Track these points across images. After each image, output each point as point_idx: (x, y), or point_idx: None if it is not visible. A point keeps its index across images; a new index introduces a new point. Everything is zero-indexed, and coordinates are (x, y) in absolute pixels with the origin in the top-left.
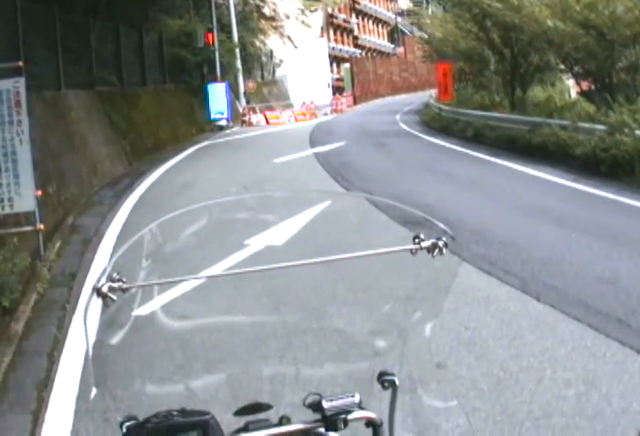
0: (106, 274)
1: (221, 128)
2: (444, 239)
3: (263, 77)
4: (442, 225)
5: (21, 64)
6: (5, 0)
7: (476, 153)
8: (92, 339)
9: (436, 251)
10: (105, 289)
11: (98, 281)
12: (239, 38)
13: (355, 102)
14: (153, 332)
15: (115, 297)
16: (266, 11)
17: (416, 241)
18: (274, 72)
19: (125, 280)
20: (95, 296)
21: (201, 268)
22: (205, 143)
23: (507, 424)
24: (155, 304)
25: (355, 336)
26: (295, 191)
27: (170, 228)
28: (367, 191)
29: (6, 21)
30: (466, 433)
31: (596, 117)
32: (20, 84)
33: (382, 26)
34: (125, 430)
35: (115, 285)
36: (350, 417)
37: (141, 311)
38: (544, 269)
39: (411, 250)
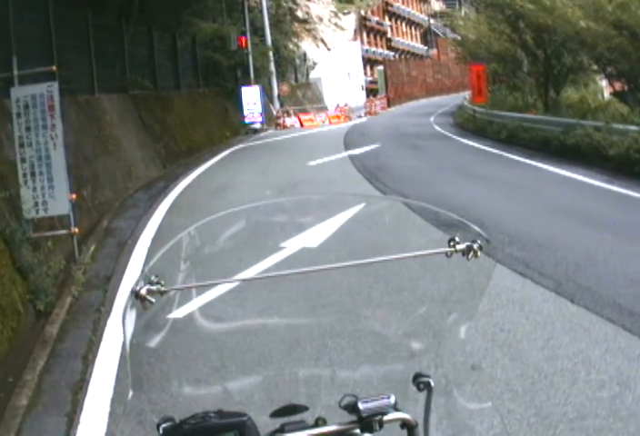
0: (145, 277)
1: (255, 131)
2: (478, 242)
3: (296, 80)
4: (476, 228)
5: (54, 68)
6: (38, 5)
7: (510, 155)
8: (129, 341)
9: (471, 254)
10: (143, 292)
11: (137, 284)
12: (272, 41)
13: (389, 104)
14: (189, 335)
15: (153, 300)
16: (299, 14)
17: (451, 244)
18: (307, 75)
19: (163, 283)
20: (133, 299)
21: (237, 270)
22: (240, 145)
23: (541, 426)
24: (191, 307)
25: (390, 338)
26: (330, 194)
27: (208, 231)
28: (402, 193)
29: (40, 25)
30: (501, 435)
31: (630, 118)
32: (53, 88)
33: (415, 28)
34: (161, 431)
35: (154, 288)
36: (385, 418)
37: (177, 313)
38: (578, 270)
39: (446, 253)
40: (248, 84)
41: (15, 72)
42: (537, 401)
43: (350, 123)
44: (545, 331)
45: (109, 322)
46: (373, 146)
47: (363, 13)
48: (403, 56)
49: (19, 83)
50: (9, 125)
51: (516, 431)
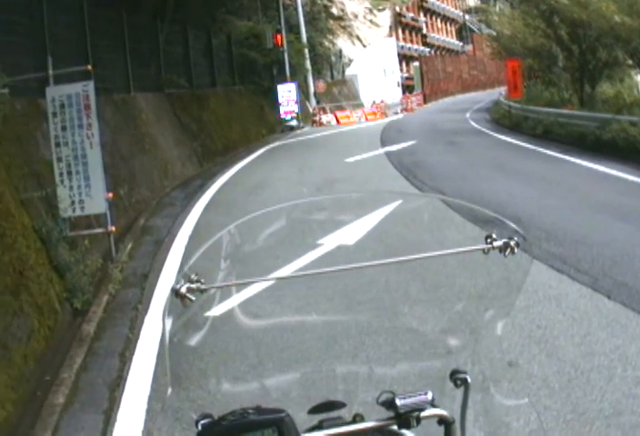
0: (185, 275)
1: (291, 128)
2: (515, 239)
3: (332, 77)
4: (513, 225)
5: (89, 67)
6: (73, 5)
7: (546, 151)
8: (168, 338)
9: (508, 250)
10: (183, 290)
11: (177, 282)
12: (308, 38)
13: (425, 100)
14: (227, 332)
15: (193, 298)
16: (334, 11)
17: (488, 240)
18: (343, 71)
19: (203, 281)
20: (173, 297)
21: (276, 268)
22: (276, 143)
23: (578, 423)
24: (230, 305)
25: (427, 335)
26: (368, 192)
27: (247, 230)
28: (439, 190)
29: (75, 26)
30: (537, 432)
31: None
32: (89, 87)
33: (450, 24)
34: (200, 427)
35: (194, 286)
36: (423, 415)
37: (216, 311)
38: (614, 266)
39: (483, 250)
40: (284, 81)
41: (51, 71)
42: (574, 397)
43: (386, 120)
44: (582, 328)
45: (146, 319)
46: (409, 143)
47: (398, 9)
48: (438, 52)
49: (54, 82)
50: (45, 125)
51: (553, 428)
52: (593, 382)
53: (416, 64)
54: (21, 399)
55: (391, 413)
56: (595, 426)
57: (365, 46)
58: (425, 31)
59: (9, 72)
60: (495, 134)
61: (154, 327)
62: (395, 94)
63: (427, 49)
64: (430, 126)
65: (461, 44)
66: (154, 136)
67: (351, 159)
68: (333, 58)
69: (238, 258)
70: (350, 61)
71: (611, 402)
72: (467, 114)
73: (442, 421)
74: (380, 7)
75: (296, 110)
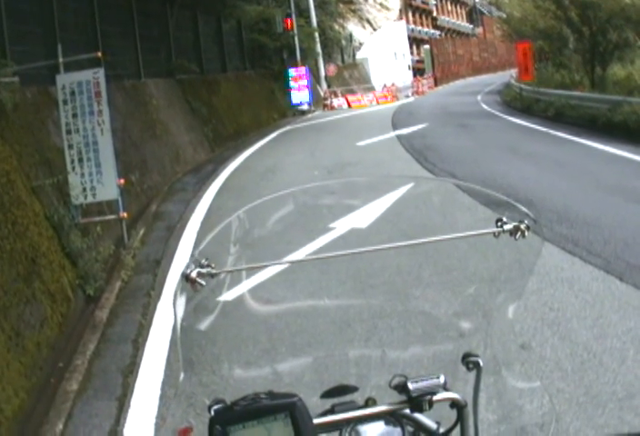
0: (195, 260)
1: (302, 112)
2: (526, 222)
3: (343, 61)
4: (523, 208)
5: (99, 54)
6: None
7: (558, 133)
8: (179, 324)
9: (519, 234)
10: (193, 275)
11: (187, 267)
12: (318, 22)
13: (436, 83)
14: (239, 317)
15: (203, 282)
16: None
17: (499, 224)
18: (354, 55)
19: (213, 265)
20: (183, 282)
21: (287, 252)
22: (287, 127)
23: (590, 405)
24: (241, 289)
25: (439, 318)
26: (379, 176)
27: (257, 214)
28: (451, 173)
29: (84, 13)
30: (549, 414)
31: None
32: (99, 74)
33: (460, 7)
34: (212, 413)
35: (204, 271)
36: (435, 398)
37: (227, 296)
38: (626, 248)
39: (494, 233)
40: (295, 65)
41: (60, 59)
42: (586, 380)
43: (397, 103)
44: (595, 310)
45: (159, 305)
46: (421, 126)
47: None
48: (449, 35)
49: (64, 70)
50: (55, 112)
51: (566, 411)
52: (605, 365)
53: (427, 47)
54: (34, 386)
55: (403, 397)
56: (608, 408)
57: (375, 30)
58: (435, 14)
59: (19, 60)
60: (507, 117)
61: (166, 313)
62: (406, 78)
63: (438, 32)
64: (441, 109)
65: (471, 26)
66: (165, 122)
67: (362, 142)
68: (343, 42)
69: (248, 243)
70: (360, 44)
71: (623, 385)
72: (478, 97)
73: (454, 404)
74: None
75: (308, 101)
